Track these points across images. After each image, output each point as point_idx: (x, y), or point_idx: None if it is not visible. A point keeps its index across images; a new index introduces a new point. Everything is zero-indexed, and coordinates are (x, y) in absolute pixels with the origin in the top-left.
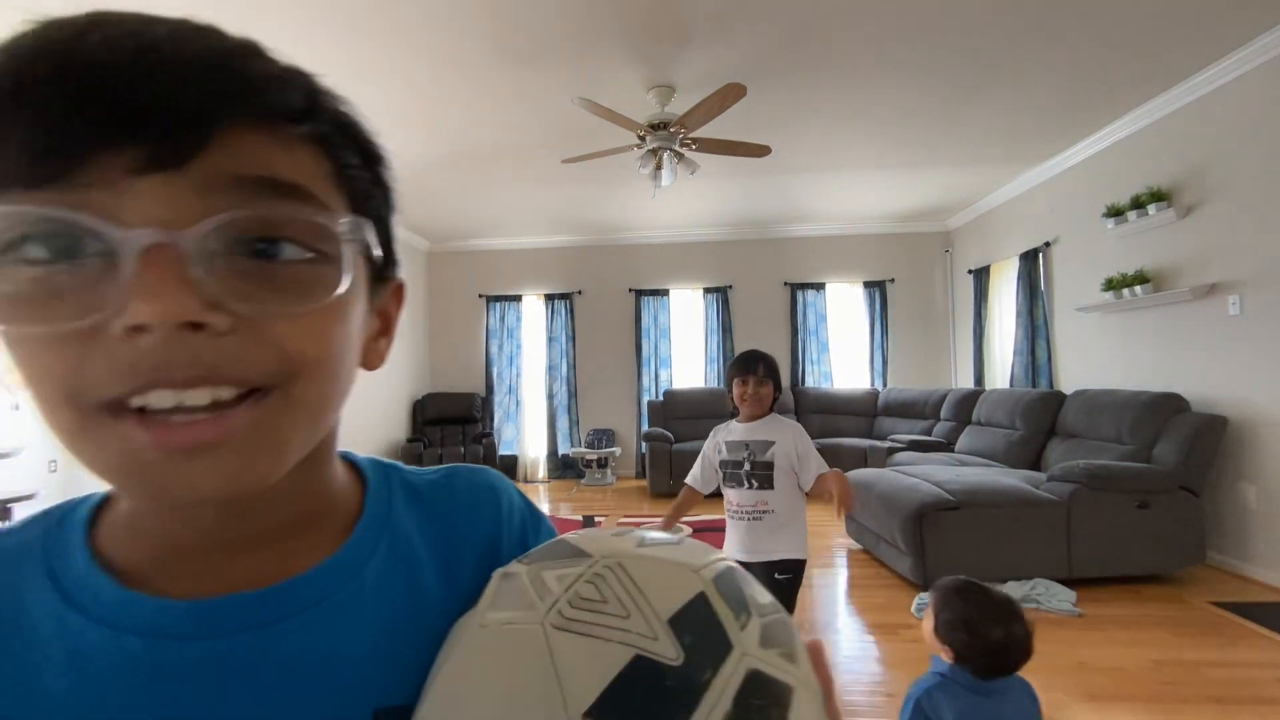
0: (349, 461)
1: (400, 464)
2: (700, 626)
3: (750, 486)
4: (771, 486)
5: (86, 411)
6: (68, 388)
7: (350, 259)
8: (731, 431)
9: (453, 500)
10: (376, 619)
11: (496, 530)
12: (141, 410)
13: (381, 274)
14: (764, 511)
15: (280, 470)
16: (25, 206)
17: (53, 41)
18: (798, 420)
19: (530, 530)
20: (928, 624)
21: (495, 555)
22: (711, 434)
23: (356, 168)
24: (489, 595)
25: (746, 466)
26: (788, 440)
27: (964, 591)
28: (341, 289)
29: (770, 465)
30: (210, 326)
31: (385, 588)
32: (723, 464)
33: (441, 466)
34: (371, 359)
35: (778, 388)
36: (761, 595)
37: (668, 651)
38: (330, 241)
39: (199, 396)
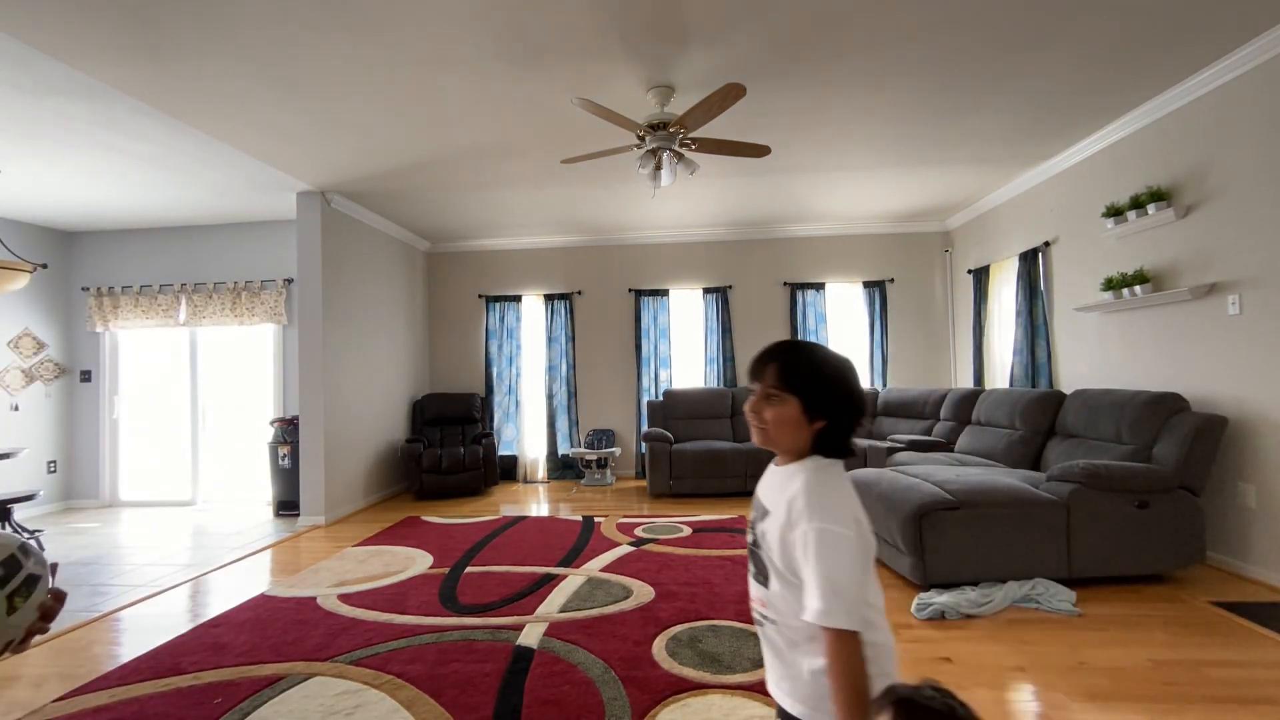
0: None
1: None
2: None
3: (751, 574)
4: (766, 582)
5: None
6: None
7: None
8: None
9: None
10: None
11: None
12: None
13: None
14: (765, 617)
15: None
16: None
17: None
18: None
19: None
20: None
21: None
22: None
23: None
24: None
25: (750, 538)
26: (781, 510)
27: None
28: None
29: (760, 546)
30: None
31: None
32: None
33: None
34: None
35: (825, 408)
36: None
37: None
38: None
39: None
